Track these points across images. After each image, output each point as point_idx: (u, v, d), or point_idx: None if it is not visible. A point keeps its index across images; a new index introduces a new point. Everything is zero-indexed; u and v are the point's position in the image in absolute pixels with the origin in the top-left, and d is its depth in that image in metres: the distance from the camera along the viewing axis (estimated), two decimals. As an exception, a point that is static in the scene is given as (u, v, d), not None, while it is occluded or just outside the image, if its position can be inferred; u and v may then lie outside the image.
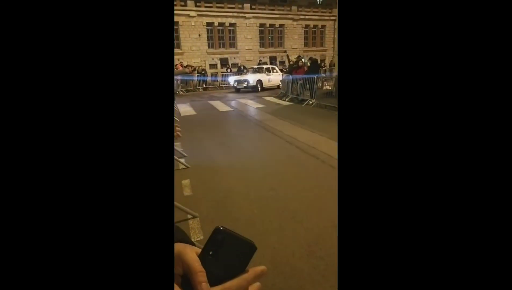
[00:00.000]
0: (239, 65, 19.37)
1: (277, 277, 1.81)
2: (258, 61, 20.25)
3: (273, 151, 4.47)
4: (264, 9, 22.95)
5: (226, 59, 22.11)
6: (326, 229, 2.28)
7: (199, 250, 0.34)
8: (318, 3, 24.76)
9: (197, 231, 2.35)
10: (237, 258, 0.34)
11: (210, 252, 0.33)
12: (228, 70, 18.99)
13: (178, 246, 0.35)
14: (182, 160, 4.05)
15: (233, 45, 22.82)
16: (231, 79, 14.94)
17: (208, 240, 0.34)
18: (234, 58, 22.38)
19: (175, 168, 3.84)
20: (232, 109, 8.59)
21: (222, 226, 0.34)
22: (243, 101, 10.26)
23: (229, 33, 22.47)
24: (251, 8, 22.44)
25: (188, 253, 0.34)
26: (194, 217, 2.55)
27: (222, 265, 0.33)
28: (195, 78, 15.35)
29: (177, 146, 4.75)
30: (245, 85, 13.64)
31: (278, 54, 23.42)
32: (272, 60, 22.90)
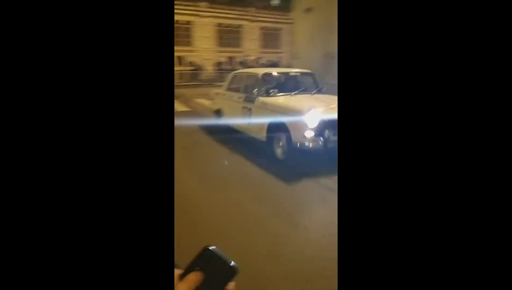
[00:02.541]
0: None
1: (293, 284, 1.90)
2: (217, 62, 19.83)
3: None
4: (222, 9, 22.65)
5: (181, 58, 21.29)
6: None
7: (181, 271, 0.36)
8: (273, 6, 25.10)
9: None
10: (220, 278, 0.35)
11: (197, 268, 0.35)
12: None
13: None
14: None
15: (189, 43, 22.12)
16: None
17: (196, 258, 0.35)
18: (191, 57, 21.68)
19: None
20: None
21: (210, 246, 0.36)
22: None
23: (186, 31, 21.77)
24: (208, 7, 22.00)
25: None
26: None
27: (204, 283, 0.34)
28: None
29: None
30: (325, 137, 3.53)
31: (236, 54, 23.27)
32: (232, 61, 22.67)
